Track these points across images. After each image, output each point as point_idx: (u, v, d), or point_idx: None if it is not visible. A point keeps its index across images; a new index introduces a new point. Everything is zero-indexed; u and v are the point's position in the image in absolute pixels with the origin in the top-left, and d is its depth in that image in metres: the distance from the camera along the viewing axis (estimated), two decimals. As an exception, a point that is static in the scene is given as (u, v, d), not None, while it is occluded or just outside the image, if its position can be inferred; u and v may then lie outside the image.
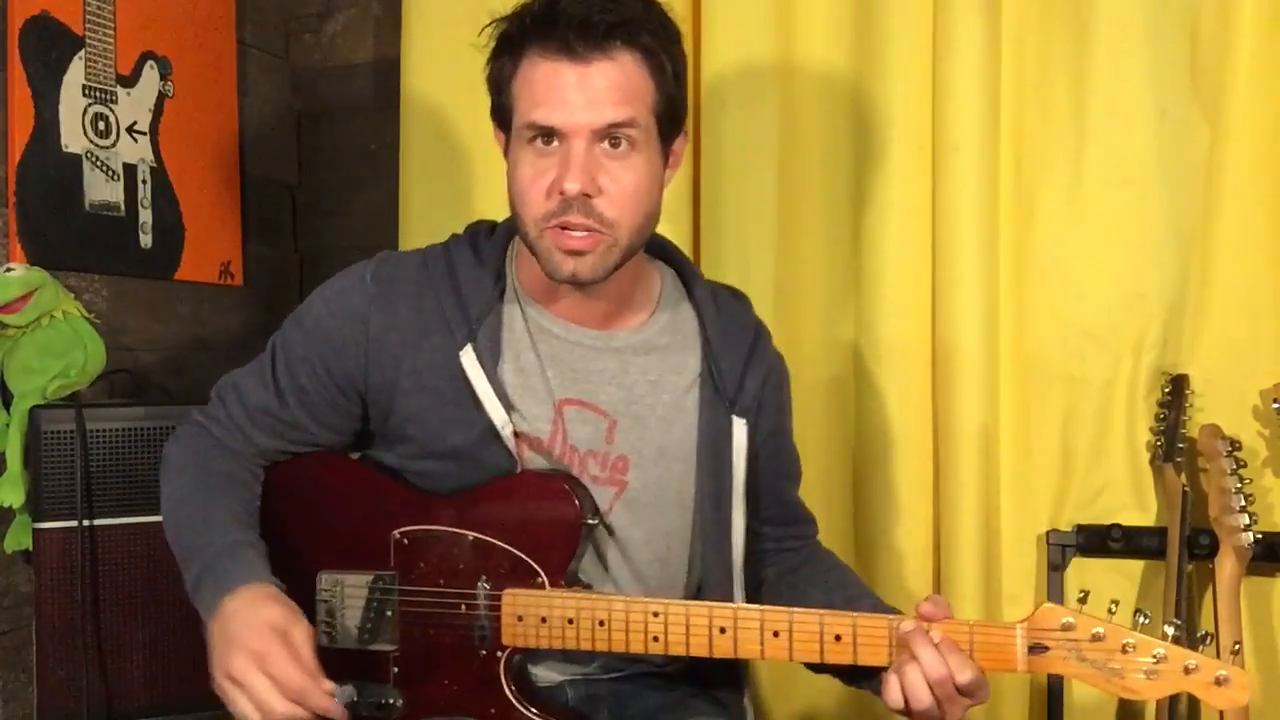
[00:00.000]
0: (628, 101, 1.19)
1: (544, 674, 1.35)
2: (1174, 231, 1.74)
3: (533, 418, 1.30)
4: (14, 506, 1.71)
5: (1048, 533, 1.80)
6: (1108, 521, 1.77)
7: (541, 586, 1.25)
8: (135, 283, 2.08)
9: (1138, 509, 1.77)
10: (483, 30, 1.26)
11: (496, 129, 1.30)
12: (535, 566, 1.26)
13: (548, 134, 1.20)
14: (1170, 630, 1.12)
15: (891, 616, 1.18)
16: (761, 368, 1.39)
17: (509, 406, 1.28)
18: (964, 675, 1.11)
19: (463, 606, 1.26)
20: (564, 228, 1.20)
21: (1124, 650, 1.11)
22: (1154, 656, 1.11)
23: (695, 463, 1.35)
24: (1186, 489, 1.65)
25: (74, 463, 1.66)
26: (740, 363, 1.37)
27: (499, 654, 1.26)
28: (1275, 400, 1.63)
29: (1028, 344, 1.82)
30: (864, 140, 1.85)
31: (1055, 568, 1.79)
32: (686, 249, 1.93)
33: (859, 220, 1.86)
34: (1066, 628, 1.13)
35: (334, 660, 1.25)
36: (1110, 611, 1.13)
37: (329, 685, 1.15)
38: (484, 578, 1.26)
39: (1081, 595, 1.16)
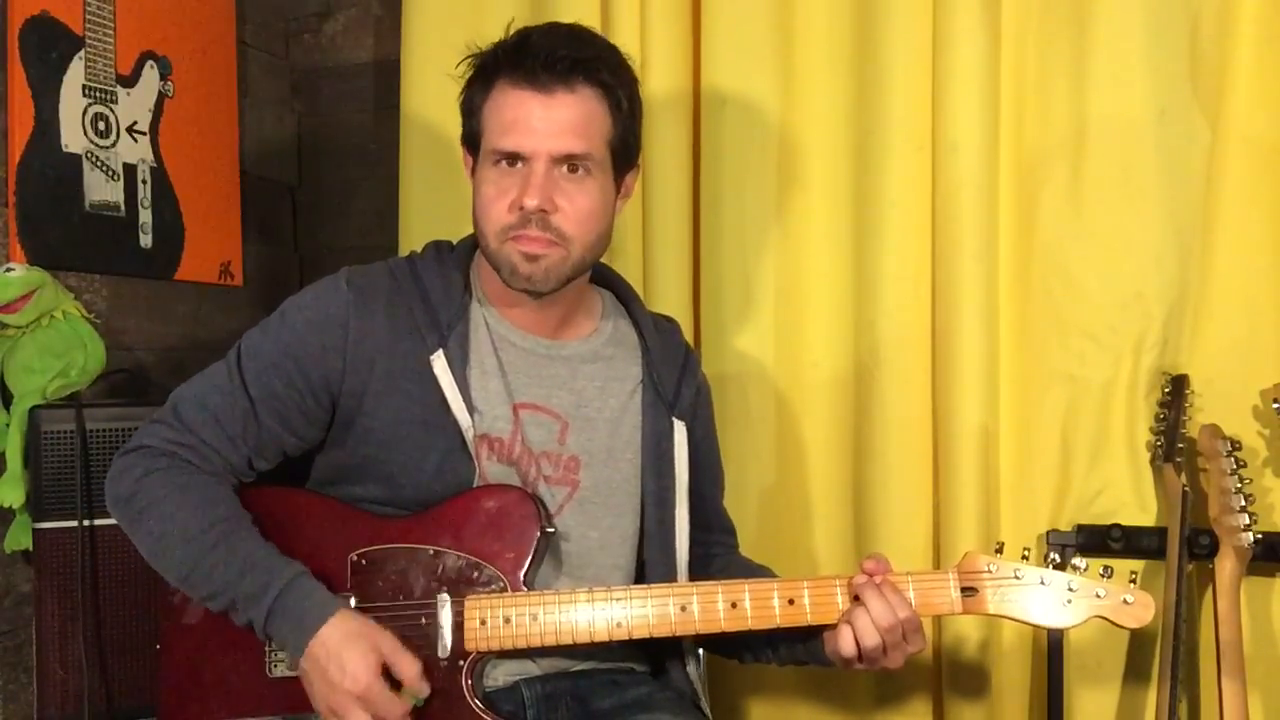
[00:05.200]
0: (585, 133, 1.30)
1: (498, 676, 1.36)
2: (1174, 231, 1.74)
3: (494, 419, 1.36)
4: (14, 506, 1.71)
5: (1048, 533, 1.79)
6: (1108, 521, 1.76)
7: (504, 590, 1.28)
8: (135, 283, 2.08)
9: (1138, 509, 1.77)
10: (459, 64, 1.36)
11: (465, 152, 1.39)
12: (496, 572, 1.28)
13: (512, 157, 1.30)
14: (1081, 564, 1.28)
15: (838, 576, 1.29)
16: (694, 381, 1.51)
17: (472, 409, 1.33)
18: (904, 611, 1.25)
19: (423, 619, 1.28)
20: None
21: (1041, 584, 1.28)
22: (1068, 589, 1.28)
23: (640, 463, 1.43)
24: (1186, 489, 1.64)
25: (74, 463, 1.66)
26: (676, 373, 1.49)
27: (461, 662, 1.27)
28: (1275, 400, 1.63)
29: (1028, 344, 1.82)
30: (863, 140, 1.84)
31: (1055, 568, 1.77)
32: (686, 249, 1.95)
33: (859, 220, 1.86)
34: (990, 570, 1.28)
35: (289, 689, 1.27)
36: (1024, 556, 1.30)
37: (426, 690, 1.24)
38: (444, 589, 1.28)
39: (998, 545, 1.31)
